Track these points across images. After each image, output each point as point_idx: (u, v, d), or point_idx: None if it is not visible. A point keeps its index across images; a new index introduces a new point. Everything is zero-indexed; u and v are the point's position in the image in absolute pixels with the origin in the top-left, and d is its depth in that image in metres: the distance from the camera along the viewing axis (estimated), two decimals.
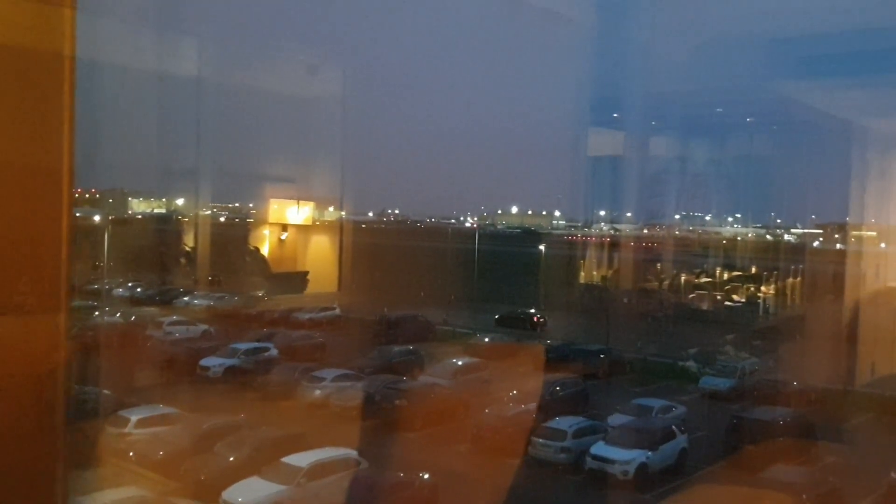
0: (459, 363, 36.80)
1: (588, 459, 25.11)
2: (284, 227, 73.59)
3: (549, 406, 29.65)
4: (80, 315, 40.32)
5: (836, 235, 78.11)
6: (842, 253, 69.73)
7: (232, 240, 72.07)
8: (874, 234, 49.03)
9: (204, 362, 35.58)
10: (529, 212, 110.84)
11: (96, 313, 39.77)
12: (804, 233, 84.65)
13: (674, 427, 27.45)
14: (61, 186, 2.67)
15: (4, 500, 2.42)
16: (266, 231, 73.73)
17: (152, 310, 47.76)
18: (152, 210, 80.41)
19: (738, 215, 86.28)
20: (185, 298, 54.59)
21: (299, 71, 59.31)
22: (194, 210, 69.99)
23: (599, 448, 25.39)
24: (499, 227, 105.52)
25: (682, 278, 74.59)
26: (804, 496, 21.88)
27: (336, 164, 67.30)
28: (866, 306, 42.01)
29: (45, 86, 2.63)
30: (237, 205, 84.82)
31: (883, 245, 46.03)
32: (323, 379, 32.41)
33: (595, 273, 77.10)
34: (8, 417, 2.42)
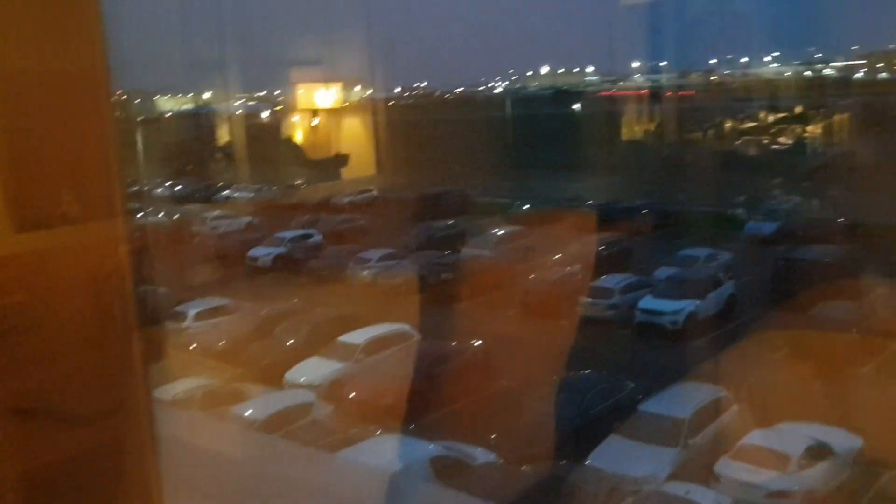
0: (501, 233, 36.97)
1: (637, 313, 25.43)
2: (315, 113, 73.09)
3: (595, 266, 29.81)
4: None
5: (881, 64, 74.85)
6: (887, 82, 67.10)
7: (264, 130, 71.92)
8: None
9: (252, 253, 36.30)
10: (561, 70, 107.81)
11: (140, 215, 40.45)
12: (846, 65, 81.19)
13: (720, 274, 27.51)
14: (99, 90, 2.61)
15: (89, 405, 2.50)
16: (297, 118, 73.33)
17: (194, 207, 48.47)
18: (180, 107, 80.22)
19: (778, 53, 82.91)
20: (225, 193, 55.22)
21: None
22: (223, 103, 69.68)
23: (647, 301, 25.65)
24: (530, 89, 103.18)
25: (726, 125, 72.75)
26: (854, 330, 21.97)
27: (359, 39, 65.93)
28: None
29: None
30: (264, 93, 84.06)
31: None
32: (369, 260, 32.91)
33: (636, 128, 75.50)
34: (77, 326, 2.47)
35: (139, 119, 62.73)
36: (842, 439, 15.77)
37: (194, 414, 14.17)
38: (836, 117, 66.66)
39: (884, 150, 46.74)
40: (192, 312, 26.37)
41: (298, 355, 22.52)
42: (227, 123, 69.22)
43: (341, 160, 69.11)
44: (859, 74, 76.85)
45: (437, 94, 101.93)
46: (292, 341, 23.74)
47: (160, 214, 44.67)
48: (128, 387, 2.58)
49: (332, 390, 20.55)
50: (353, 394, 20.32)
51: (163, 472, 2.82)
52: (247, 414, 18.12)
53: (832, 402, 17.96)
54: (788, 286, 26.19)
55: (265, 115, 78.99)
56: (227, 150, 66.94)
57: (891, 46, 74.52)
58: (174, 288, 28.52)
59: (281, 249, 36.55)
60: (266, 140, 68.05)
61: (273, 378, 21.40)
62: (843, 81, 75.15)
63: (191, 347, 24.43)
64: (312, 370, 21.76)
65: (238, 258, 35.66)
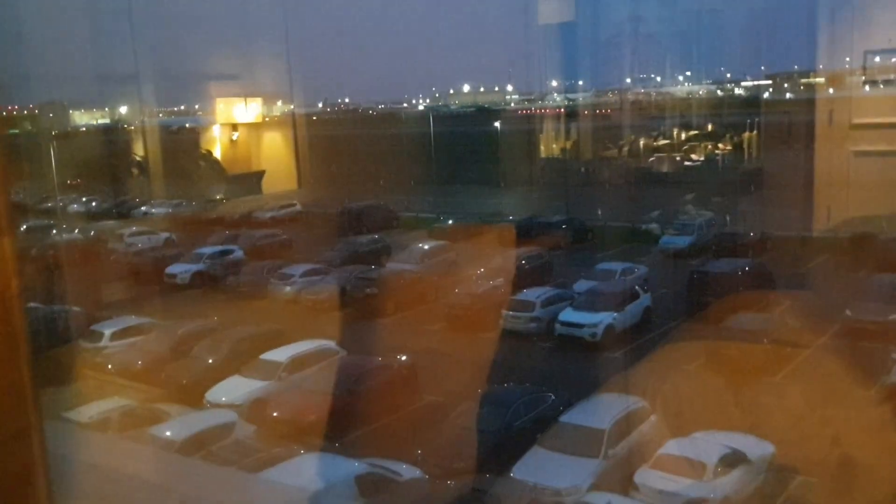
0: (426, 247, 37.12)
1: (557, 326, 25.88)
2: (234, 127, 72.03)
3: (517, 280, 30.22)
4: (37, 235, 39.72)
5: (786, 85, 78.45)
6: (792, 102, 70.31)
7: (183, 145, 70.50)
8: (822, 80, 49.31)
9: (170, 270, 35.50)
10: (482, 89, 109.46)
11: (53, 232, 39.13)
12: (754, 85, 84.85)
13: (637, 287, 28.21)
14: None
15: None
16: (216, 132, 72.10)
17: (110, 223, 47.15)
18: (96, 121, 77.99)
19: (689, 73, 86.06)
20: (143, 208, 53.88)
21: None
22: (139, 117, 68.05)
23: (567, 314, 26.12)
24: (452, 107, 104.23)
25: (641, 143, 74.84)
26: (765, 340, 22.83)
27: (281, 56, 65.43)
28: (821, 153, 42.67)
29: None
30: (183, 107, 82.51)
31: (831, 90, 46.36)
32: (292, 275, 32.58)
33: (554, 145, 76.95)
34: None
35: (53, 133, 60.70)
36: (755, 446, 16.34)
37: (110, 436, 13.78)
38: (746, 135, 69.35)
39: (790, 166, 48.86)
40: (107, 332, 25.62)
41: (219, 374, 22.10)
42: (145, 138, 67.59)
43: (262, 175, 68.28)
44: (767, 94, 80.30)
45: (360, 110, 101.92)
46: (212, 360, 23.30)
47: (74, 231, 43.29)
48: (19, 413, 2.48)
49: (254, 409, 20.22)
50: (277, 412, 20.04)
51: (74, 496, 2.76)
52: (166, 435, 17.67)
53: (745, 411, 18.63)
54: (702, 298, 27.09)
55: (184, 129, 77.45)
56: (145, 165, 65.36)
57: (795, 68, 78.19)
58: (89, 307, 27.68)
59: (200, 266, 35.85)
60: (185, 155, 66.73)
61: (193, 398, 20.94)
62: (752, 101, 78.36)
63: (107, 367, 23.72)
64: (234, 389, 21.37)
65: (156, 275, 34.83)
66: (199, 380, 21.93)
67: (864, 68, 45.10)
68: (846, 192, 40.45)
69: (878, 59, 45.43)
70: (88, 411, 18.31)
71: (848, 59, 43.19)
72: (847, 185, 40.78)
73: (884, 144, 40.86)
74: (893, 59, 46.50)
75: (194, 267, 35.75)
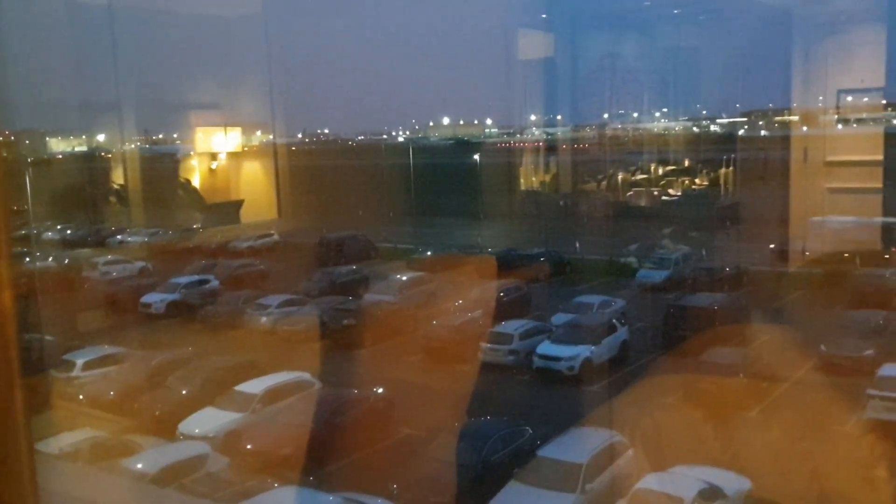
0: (404, 278, 37.05)
1: (535, 359, 25.84)
2: (214, 156, 71.95)
3: (495, 312, 30.21)
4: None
5: (761, 122, 79.86)
6: (767, 139, 71.48)
7: (161, 173, 70.22)
8: (797, 118, 50.21)
9: (145, 299, 35.14)
10: (461, 122, 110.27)
11: (27, 259, 38.67)
12: (730, 122, 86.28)
13: (614, 321, 28.29)
14: None
15: None
16: (195, 161, 71.93)
17: (86, 251, 46.70)
18: (73, 149, 77.57)
19: (665, 109, 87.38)
20: (119, 237, 53.46)
21: None
22: (118, 145, 67.79)
23: (545, 347, 26.11)
24: (432, 139, 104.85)
25: (619, 177, 75.60)
26: (741, 375, 22.93)
27: (261, 86, 65.57)
28: (796, 189, 43.29)
29: None
30: (161, 136, 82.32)
31: (805, 128, 47.21)
32: (268, 306, 32.35)
33: (533, 179, 77.52)
34: None
35: (29, 160, 60.21)
36: (732, 481, 16.33)
37: (82, 468, 13.50)
38: (722, 171, 70.32)
39: (766, 202, 49.51)
40: (80, 361, 25.26)
41: (193, 405, 21.81)
42: (123, 166, 67.28)
43: (241, 204, 68.08)
44: (742, 131, 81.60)
45: (340, 141, 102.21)
46: (186, 391, 22.99)
47: (49, 259, 42.80)
48: (8, 441, 2.47)
49: (228, 442, 19.94)
50: (251, 445, 19.77)
51: None
52: (137, 467, 17.36)
53: (722, 445, 18.64)
54: (679, 332, 27.23)
55: (163, 157, 77.21)
56: (122, 194, 64.99)
57: (770, 105, 79.58)
58: (62, 336, 27.30)
59: (176, 295, 35.52)
60: (163, 183, 66.44)
61: (166, 429, 20.63)
62: (728, 137, 79.58)
63: (79, 398, 23.33)
64: (207, 421, 21.09)
65: (130, 304, 34.47)
66: (173, 411, 21.63)
67: (838, 107, 45.99)
68: (821, 229, 41.00)
69: (850, 98, 46.36)
70: (58, 443, 17.95)
71: (821, 97, 44.04)
72: (822, 221, 41.36)
73: (856, 181, 41.57)
74: (865, 99, 47.47)
75: (170, 296, 35.41)
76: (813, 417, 20.34)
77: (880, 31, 40.33)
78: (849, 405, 20.72)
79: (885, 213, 41.86)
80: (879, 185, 42.92)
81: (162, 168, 72.68)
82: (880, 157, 42.56)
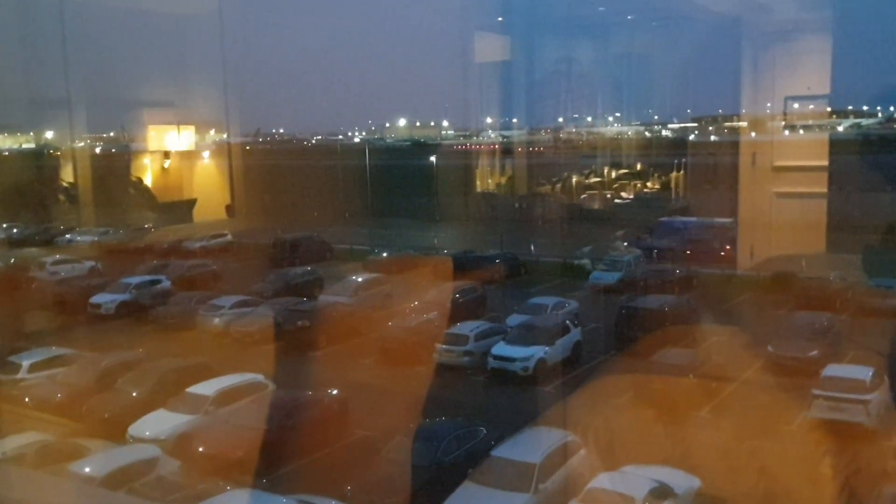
0: (360, 280, 36.93)
1: (490, 360, 25.99)
2: (166, 154, 70.87)
3: (451, 313, 30.29)
4: None
5: (711, 128, 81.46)
6: (717, 144, 72.92)
7: (112, 171, 68.95)
8: (745, 124, 51.33)
9: (95, 299, 34.48)
10: (418, 123, 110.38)
11: None
12: (681, 127, 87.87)
13: (568, 322, 28.58)
14: None
15: None
16: (147, 160, 70.78)
17: (33, 250, 45.65)
18: (20, 145, 75.75)
19: (619, 114, 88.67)
20: (68, 236, 52.36)
21: None
22: (68, 142, 66.40)
23: (500, 348, 26.27)
24: (388, 140, 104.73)
25: (573, 180, 76.46)
26: (691, 375, 23.35)
27: (215, 84, 64.70)
28: (744, 194, 44.19)
29: None
30: (113, 134, 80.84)
31: (754, 134, 48.26)
32: (221, 307, 31.99)
33: (489, 181, 77.95)
34: None
35: None
36: (682, 480, 16.61)
37: (28, 472, 13.22)
38: (673, 175, 71.55)
39: (715, 206, 50.47)
40: (26, 363, 24.68)
41: (144, 408, 21.47)
42: (73, 164, 65.89)
43: (194, 203, 67.18)
44: (693, 136, 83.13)
45: (295, 140, 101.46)
46: (137, 393, 22.63)
47: None
48: None
49: (179, 444, 19.67)
50: (203, 447, 19.53)
51: None
52: (86, 471, 17.03)
53: (672, 444, 18.96)
54: (631, 333, 27.62)
55: (114, 155, 75.83)
56: (72, 192, 63.66)
57: (720, 111, 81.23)
58: (8, 337, 26.67)
59: (126, 296, 34.94)
60: (114, 181, 65.24)
61: (115, 432, 20.26)
62: (679, 142, 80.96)
63: (25, 400, 22.80)
64: (158, 423, 20.78)
65: (80, 305, 33.81)
66: (123, 414, 21.26)
67: (785, 114, 47.10)
68: (768, 232, 41.97)
69: (797, 105, 47.52)
70: (2, 447, 17.55)
71: (769, 104, 45.04)
72: (769, 225, 42.33)
73: (803, 186, 42.61)
74: (811, 106, 48.70)
75: (120, 297, 34.82)
76: (760, 417, 20.82)
77: (826, 40, 41.40)
78: (795, 405, 21.23)
79: (830, 216, 43.02)
80: (825, 189, 44.08)
81: (113, 166, 71.37)
82: (825, 163, 43.70)
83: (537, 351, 25.85)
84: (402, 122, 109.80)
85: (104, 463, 17.58)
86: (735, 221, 44.63)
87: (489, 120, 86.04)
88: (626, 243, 47.22)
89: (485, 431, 19.28)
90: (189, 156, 72.04)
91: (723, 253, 43.39)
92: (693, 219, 51.65)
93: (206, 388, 21.99)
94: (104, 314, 33.63)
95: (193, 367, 23.89)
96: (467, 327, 28.03)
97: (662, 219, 52.77)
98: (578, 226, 56.73)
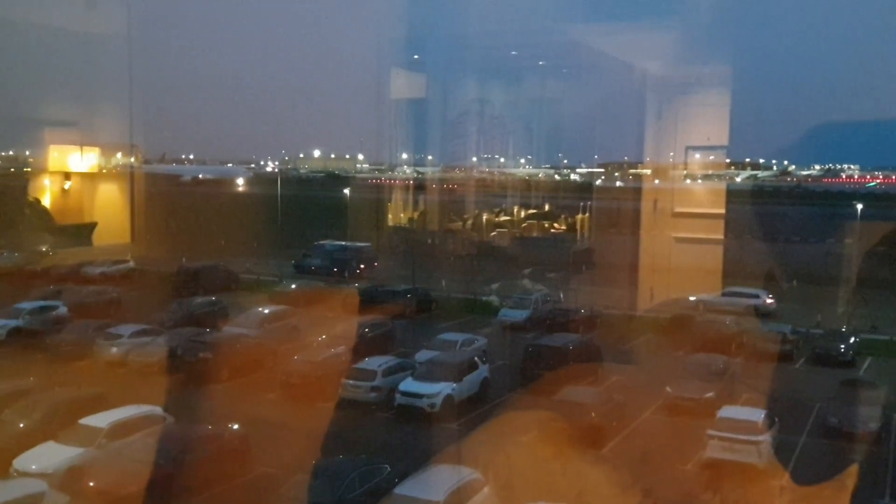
0: (266, 311, 36.29)
1: (398, 396, 25.88)
2: (67, 176, 68.39)
3: (359, 348, 30.09)
4: None
5: (616, 174, 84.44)
6: (622, 189, 75.51)
7: (7, 191, 65.97)
8: (649, 171, 53.42)
9: None
10: (332, 155, 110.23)
11: None
12: (588, 171, 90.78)
13: (476, 358, 28.80)
14: None
15: None
16: (47, 180, 68.11)
17: None
18: None
19: (530, 156, 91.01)
20: None
21: (77, 3, 54.45)
22: None
23: (407, 384, 26.22)
24: (301, 171, 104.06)
25: (483, 218, 77.60)
26: (593, 413, 23.84)
27: (123, 106, 62.94)
28: (646, 238, 45.78)
29: None
30: (11, 153, 77.55)
31: (657, 181, 50.23)
32: (120, 336, 30.92)
33: (402, 215, 78.33)
34: None
35: None
36: None
37: None
38: (579, 217, 73.59)
39: (618, 248, 52.07)
40: None
41: (32, 440, 20.45)
42: None
43: (94, 227, 64.90)
44: (599, 181, 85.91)
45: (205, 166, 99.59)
46: (25, 424, 21.55)
47: None
48: None
49: (69, 478, 18.80)
50: (94, 482, 18.73)
51: None
52: None
53: (571, 482, 19.25)
54: (536, 371, 28.06)
55: (10, 175, 72.64)
56: None
57: (626, 158, 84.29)
58: None
59: (18, 322, 33.45)
60: (8, 202, 62.42)
61: None
62: (586, 186, 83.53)
63: None
64: (46, 456, 19.81)
65: None
66: (9, 446, 20.17)
67: (686, 163, 49.29)
68: (667, 275, 43.56)
69: (697, 155, 49.84)
70: None
71: (672, 153, 47.06)
72: (668, 268, 43.96)
73: (701, 232, 44.53)
74: (711, 157, 51.15)
75: (11, 322, 33.29)
76: (657, 456, 21.42)
77: (725, 94, 43.66)
78: (690, 445, 21.94)
79: (725, 261, 45.01)
80: (721, 236, 46.16)
81: (9, 185, 68.31)
82: (723, 211, 45.82)
83: (445, 387, 25.91)
84: (316, 153, 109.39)
85: None
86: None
87: (404, 155, 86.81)
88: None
89: (388, 469, 19.14)
90: (91, 178, 69.74)
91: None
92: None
93: (100, 419, 21.13)
94: None
95: (87, 398, 22.92)
96: (375, 362, 27.87)
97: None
98: (488, 262, 57.51)
